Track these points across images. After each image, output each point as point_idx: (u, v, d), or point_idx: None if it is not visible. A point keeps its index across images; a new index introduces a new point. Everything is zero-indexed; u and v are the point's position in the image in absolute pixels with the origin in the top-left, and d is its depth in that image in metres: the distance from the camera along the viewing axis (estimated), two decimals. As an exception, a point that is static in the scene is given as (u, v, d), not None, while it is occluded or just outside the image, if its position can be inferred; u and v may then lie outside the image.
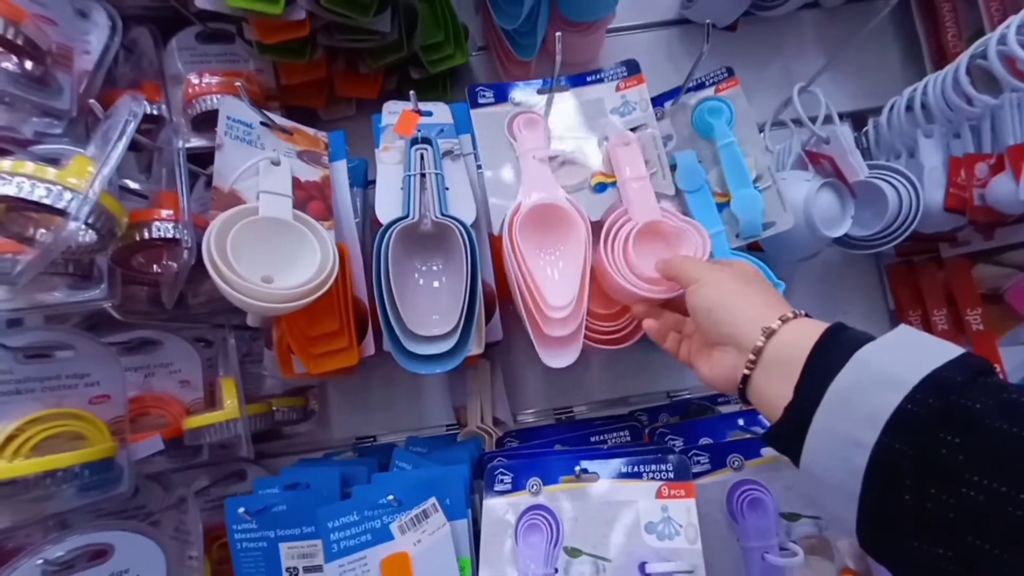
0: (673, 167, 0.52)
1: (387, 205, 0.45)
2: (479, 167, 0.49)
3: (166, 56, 0.56)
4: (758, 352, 0.31)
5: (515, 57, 0.65)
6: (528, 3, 0.57)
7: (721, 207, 0.51)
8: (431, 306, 0.45)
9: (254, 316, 0.44)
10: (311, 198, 0.48)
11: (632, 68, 0.51)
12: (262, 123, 0.46)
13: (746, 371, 0.32)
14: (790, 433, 0.28)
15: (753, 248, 0.63)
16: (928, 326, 0.65)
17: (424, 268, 0.47)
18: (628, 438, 0.52)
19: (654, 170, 0.47)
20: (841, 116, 0.68)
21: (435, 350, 0.41)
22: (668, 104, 0.55)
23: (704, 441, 0.50)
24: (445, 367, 0.41)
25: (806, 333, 0.29)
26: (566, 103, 0.50)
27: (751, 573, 0.42)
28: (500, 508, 0.43)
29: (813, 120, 0.57)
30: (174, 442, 0.53)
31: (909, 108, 0.58)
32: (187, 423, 0.53)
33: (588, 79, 0.51)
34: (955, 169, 0.53)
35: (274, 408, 0.59)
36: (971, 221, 0.53)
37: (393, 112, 0.51)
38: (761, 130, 0.70)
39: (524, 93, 0.51)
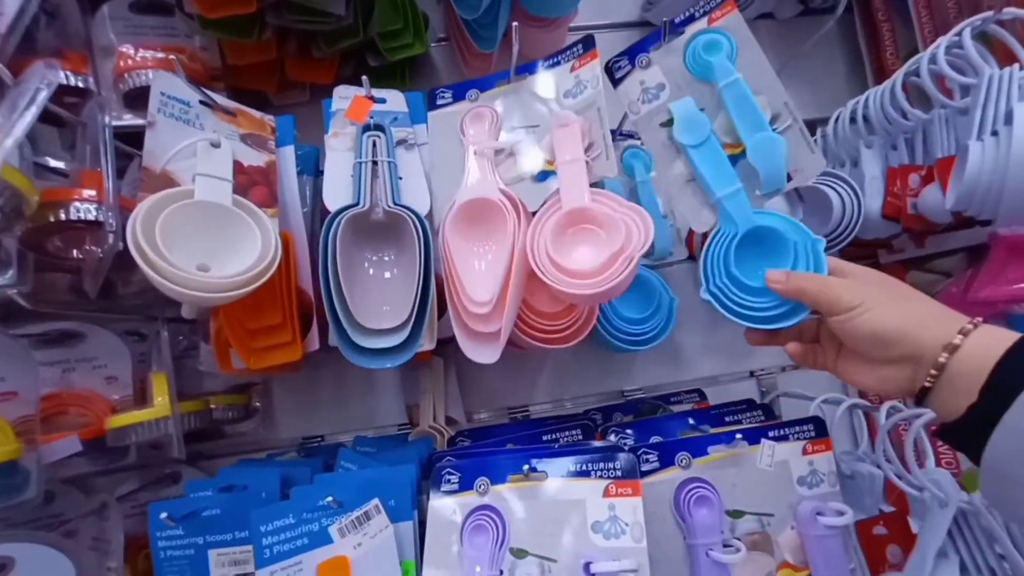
0: (669, 123, 0.44)
1: (336, 193, 0.43)
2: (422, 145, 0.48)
3: (95, 24, 0.52)
4: (940, 367, 0.31)
5: (476, 49, 0.64)
6: (489, -6, 0.56)
7: (735, 160, 0.43)
8: (381, 298, 0.43)
9: (188, 307, 0.41)
10: (254, 184, 0.45)
11: (587, 44, 0.48)
12: (202, 102, 0.43)
13: (927, 384, 0.32)
14: (972, 430, 0.30)
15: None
16: (867, 329, 0.68)
17: (375, 259, 0.45)
18: (580, 436, 0.52)
19: (598, 152, 0.44)
20: (791, 125, 0.70)
21: (384, 344, 0.40)
22: (653, 49, 0.46)
23: (655, 439, 0.50)
24: (395, 362, 0.40)
25: (990, 343, 0.30)
26: (524, 92, 0.49)
27: (696, 570, 0.42)
28: (446, 509, 0.42)
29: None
30: (96, 443, 0.49)
31: (853, 119, 0.61)
32: (110, 422, 0.49)
33: (545, 64, 0.49)
34: (892, 179, 0.56)
35: (212, 406, 0.56)
36: (905, 229, 0.55)
37: (344, 97, 0.48)
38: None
39: (480, 87, 0.50)
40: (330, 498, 0.40)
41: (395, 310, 0.41)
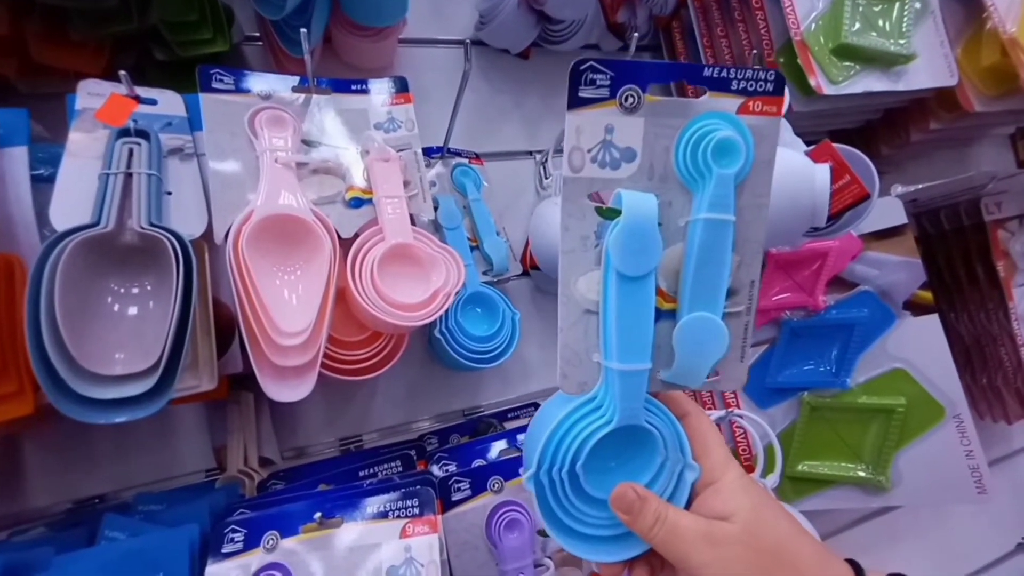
0: (607, 212, 0.30)
1: (67, 209, 0.36)
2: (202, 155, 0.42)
3: None
4: None
5: (288, 52, 0.58)
6: (293, -5, 0.51)
7: (658, 315, 0.30)
8: (125, 338, 0.36)
9: None
10: (-52, 195, 0.35)
11: (401, 85, 0.48)
12: None
13: None
14: None
15: (533, 266, 0.66)
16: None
17: (122, 291, 0.37)
18: (400, 468, 0.49)
19: (414, 192, 0.45)
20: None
21: (122, 393, 0.33)
22: (650, 89, 0.31)
23: (477, 463, 0.50)
24: (136, 414, 0.33)
25: None
26: (327, 108, 0.46)
27: (507, 596, 0.41)
28: (226, 574, 0.36)
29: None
30: None
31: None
32: None
33: (353, 87, 0.47)
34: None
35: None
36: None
37: (95, 94, 0.41)
38: (547, 159, 0.75)
39: (273, 86, 0.45)
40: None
41: (140, 351, 0.34)
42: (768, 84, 0.29)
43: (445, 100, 0.63)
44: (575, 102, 0.28)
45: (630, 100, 0.28)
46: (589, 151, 0.28)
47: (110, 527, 0.43)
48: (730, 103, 0.28)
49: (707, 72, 0.28)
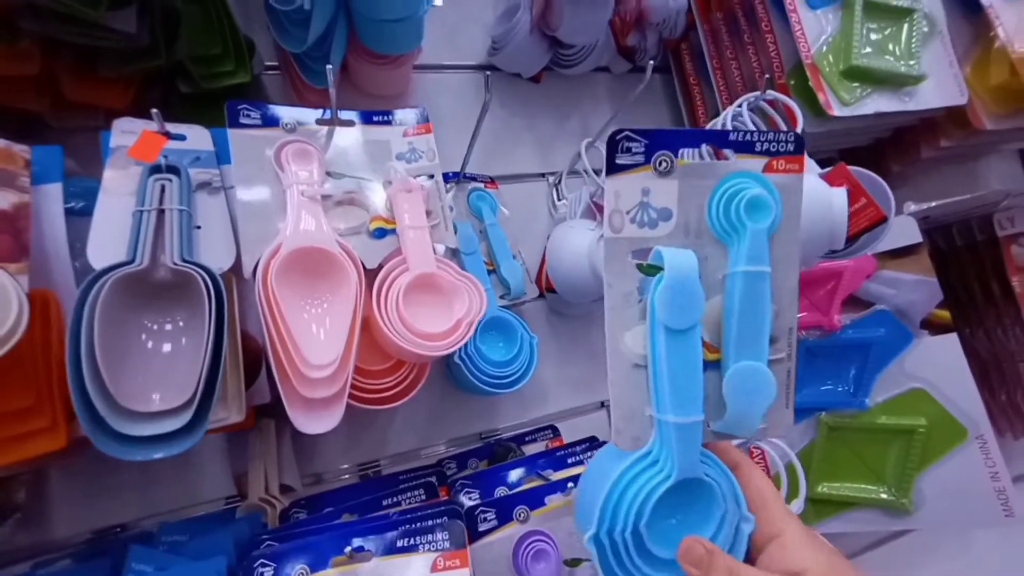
0: (649, 269, 0.32)
1: (105, 246, 0.36)
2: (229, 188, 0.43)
3: None
4: None
5: (309, 83, 0.59)
6: (316, 30, 0.53)
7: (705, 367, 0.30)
8: (160, 374, 0.36)
9: None
10: (-11, 233, 0.36)
11: (421, 116, 0.49)
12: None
13: None
14: None
15: (549, 288, 0.67)
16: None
17: (155, 328, 0.38)
18: (424, 496, 0.49)
19: (436, 221, 0.46)
20: (625, 170, 0.76)
21: (159, 429, 0.33)
22: (685, 152, 0.32)
23: (500, 491, 0.49)
24: (172, 450, 0.33)
25: None
26: (350, 139, 0.47)
27: (535, 629, 0.41)
28: (256, 610, 0.36)
29: (599, 172, 0.63)
30: None
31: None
32: None
33: (375, 118, 0.48)
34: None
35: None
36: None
37: (128, 132, 0.41)
38: (560, 180, 0.76)
39: (298, 118, 0.46)
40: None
41: (175, 388, 0.35)
42: (789, 144, 0.31)
43: (459, 125, 0.64)
44: (613, 168, 0.29)
45: (664, 165, 0.30)
46: (628, 212, 0.30)
47: (136, 559, 0.43)
48: (756, 163, 0.30)
49: (732, 137, 0.30)
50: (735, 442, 0.32)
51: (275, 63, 0.66)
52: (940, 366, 0.63)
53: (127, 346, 0.36)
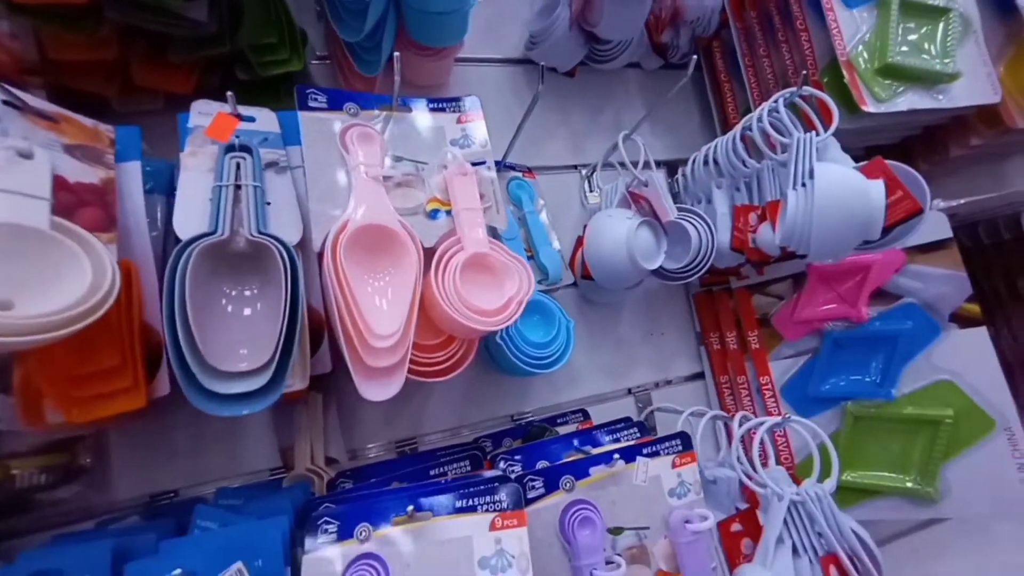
0: None
1: (190, 219, 0.39)
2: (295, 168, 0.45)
3: None
4: None
5: (358, 71, 0.62)
6: (372, 19, 0.55)
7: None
8: (240, 336, 0.39)
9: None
10: (82, 204, 0.38)
11: (473, 104, 0.52)
12: (6, 102, 0.36)
13: None
14: None
15: (585, 276, 0.68)
16: (723, 345, 0.76)
17: (234, 293, 0.40)
18: (469, 468, 0.51)
19: (488, 204, 0.48)
20: (657, 163, 0.78)
21: (242, 388, 0.36)
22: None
23: (542, 464, 0.51)
24: (255, 407, 0.36)
25: None
26: (407, 125, 0.49)
27: (580, 592, 0.43)
28: (323, 563, 0.38)
29: (635, 164, 0.64)
30: None
31: (706, 162, 0.69)
32: None
33: (431, 105, 0.50)
34: (737, 216, 0.64)
35: (14, 472, 0.45)
36: (748, 259, 0.64)
37: (205, 113, 0.44)
38: (593, 172, 0.78)
39: (360, 104, 0.48)
40: (178, 571, 0.34)
41: (256, 350, 0.37)
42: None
43: (495, 116, 0.66)
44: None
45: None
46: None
47: (202, 517, 0.45)
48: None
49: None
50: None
51: (324, 54, 0.69)
52: (968, 359, 0.65)
53: (211, 311, 0.38)
